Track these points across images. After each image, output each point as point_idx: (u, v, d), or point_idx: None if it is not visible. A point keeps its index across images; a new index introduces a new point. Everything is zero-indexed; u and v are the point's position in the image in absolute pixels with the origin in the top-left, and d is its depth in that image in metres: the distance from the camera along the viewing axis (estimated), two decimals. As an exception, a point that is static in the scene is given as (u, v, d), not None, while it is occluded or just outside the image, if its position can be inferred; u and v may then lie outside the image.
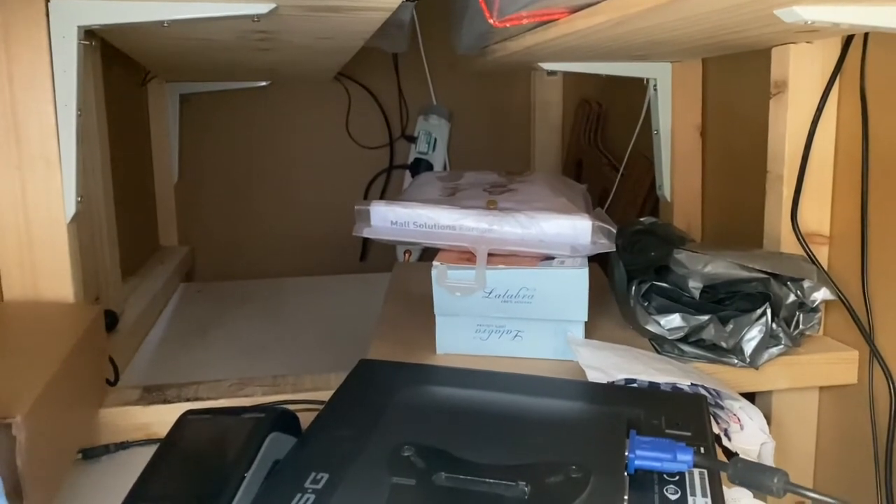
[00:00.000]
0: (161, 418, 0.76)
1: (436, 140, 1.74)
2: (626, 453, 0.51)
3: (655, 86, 1.17)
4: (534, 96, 1.80)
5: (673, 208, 1.20)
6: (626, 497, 0.48)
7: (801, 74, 0.86)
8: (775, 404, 0.89)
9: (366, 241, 1.60)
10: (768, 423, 0.72)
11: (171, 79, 1.59)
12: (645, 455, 0.51)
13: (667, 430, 0.57)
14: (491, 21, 0.84)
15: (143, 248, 1.48)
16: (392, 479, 0.48)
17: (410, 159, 1.76)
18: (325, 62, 1.30)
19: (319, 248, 1.78)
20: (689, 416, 0.59)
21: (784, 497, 0.48)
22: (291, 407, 0.75)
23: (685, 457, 0.51)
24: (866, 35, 0.81)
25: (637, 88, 1.22)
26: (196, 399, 0.77)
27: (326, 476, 0.50)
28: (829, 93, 0.85)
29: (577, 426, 0.57)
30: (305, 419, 0.65)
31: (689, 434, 0.56)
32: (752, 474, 0.48)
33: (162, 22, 0.76)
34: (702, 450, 0.54)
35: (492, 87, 1.81)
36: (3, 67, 0.74)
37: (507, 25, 0.83)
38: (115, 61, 1.13)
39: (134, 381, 0.95)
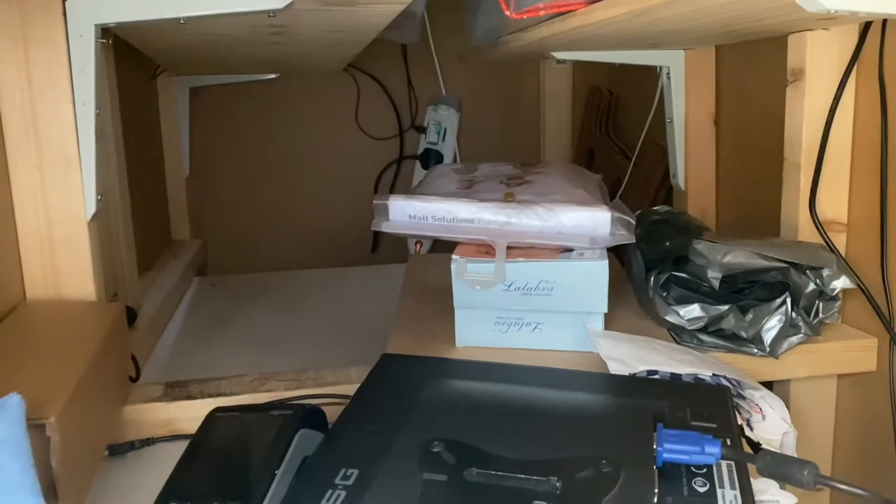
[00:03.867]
0: (185, 414, 0.76)
1: (445, 130, 1.74)
2: (655, 446, 0.52)
3: (668, 73, 1.16)
4: (543, 84, 1.79)
5: (687, 197, 1.20)
6: (656, 490, 0.48)
7: (819, 61, 0.85)
8: (793, 392, 0.89)
9: (377, 231, 1.61)
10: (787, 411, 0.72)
11: (180, 72, 1.59)
12: (673, 448, 0.51)
13: (692, 423, 0.57)
14: (507, 13, 0.84)
15: (156, 242, 1.48)
16: (423, 475, 0.49)
17: (420, 149, 1.76)
18: (336, 54, 1.29)
19: (331, 240, 1.78)
20: (713, 408, 0.60)
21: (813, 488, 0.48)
22: (314, 401, 0.76)
23: (713, 449, 0.51)
24: (885, 21, 0.80)
25: (648, 75, 1.22)
26: (219, 395, 0.78)
27: (356, 472, 0.50)
28: (846, 80, 0.85)
29: (603, 420, 0.57)
30: (328, 413, 0.65)
31: (714, 426, 0.57)
32: (781, 467, 0.49)
33: (178, 19, 0.76)
34: (728, 441, 0.54)
35: (501, 76, 1.80)
36: (21, 68, 0.74)
37: (524, 17, 0.82)
38: (126, 56, 1.13)
39: (154, 377, 0.95)
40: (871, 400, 0.86)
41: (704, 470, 0.51)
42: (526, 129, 1.83)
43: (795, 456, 0.67)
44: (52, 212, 0.77)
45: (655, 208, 1.03)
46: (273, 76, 1.66)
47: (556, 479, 0.48)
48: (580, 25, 0.76)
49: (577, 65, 1.71)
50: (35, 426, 0.50)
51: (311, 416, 0.58)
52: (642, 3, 0.62)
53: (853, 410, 0.89)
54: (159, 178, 1.58)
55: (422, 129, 1.76)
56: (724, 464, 0.52)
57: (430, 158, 1.73)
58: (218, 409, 0.59)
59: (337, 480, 0.50)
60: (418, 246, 1.65)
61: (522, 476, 0.48)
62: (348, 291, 1.46)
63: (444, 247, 0.83)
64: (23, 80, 0.74)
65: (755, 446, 0.67)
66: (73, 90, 0.75)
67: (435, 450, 0.51)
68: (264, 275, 1.55)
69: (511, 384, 0.64)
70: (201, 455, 0.54)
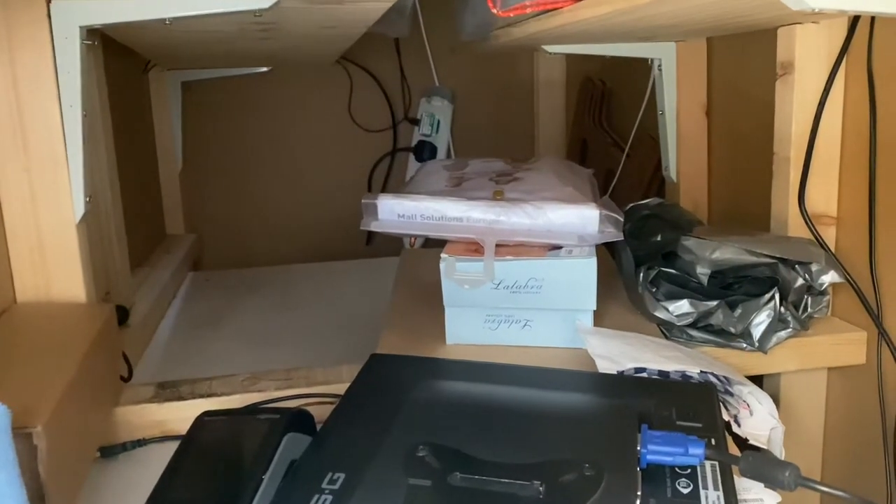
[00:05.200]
0: (176, 415, 0.77)
1: (439, 122, 1.73)
2: (639, 448, 0.52)
3: (660, 66, 1.16)
4: (537, 75, 1.78)
5: (679, 188, 1.20)
6: (639, 493, 0.48)
7: (808, 55, 0.85)
8: (783, 385, 0.89)
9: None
10: (776, 404, 0.72)
11: (172, 67, 1.58)
12: (657, 450, 0.52)
13: (678, 422, 0.58)
14: (494, 11, 0.84)
15: (150, 237, 1.48)
16: (408, 480, 0.49)
17: (414, 142, 1.76)
18: (327, 49, 1.29)
19: (325, 233, 1.78)
20: (699, 407, 0.60)
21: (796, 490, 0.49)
22: (305, 401, 0.77)
23: (697, 450, 0.52)
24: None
25: (642, 66, 1.21)
26: (210, 395, 0.78)
27: (343, 476, 0.51)
28: (835, 73, 0.84)
29: (589, 421, 0.58)
30: (318, 412, 0.65)
31: (699, 426, 0.57)
32: (763, 468, 0.49)
33: (164, 19, 0.76)
34: (713, 441, 0.55)
35: (494, 67, 1.79)
36: (6, 70, 0.73)
37: (511, 15, 0.82)
38: (116, 52, 1.13)
39: (147, 376, 0.96)
40: (860, 392, 0.86)
41: (688, 471, 0.52)
42: (520, 119, 1.82)
43: (782, 452, 0.68)
44: (40, 214, 0.77)
45: (646, 201, 1.03)
46: (265, 69, 1.65)
47: (539, 483, 0.48)
48: (567, 23, 0.76)
49: (571, 55, 1.70)
50: (22, 435, 0.50)
51: (298, 420, 0.59)
52: (628, 2, 0.62)
53: (843, 403, 0.90)
54: (152, 172, 1.58)
55: (415, 122, 1.75)
56: (707, 464, 0.52)
57: (424, 150, 1.72)
58: (206, 413, 0.60)
59: (324, 485, 0.50)
60: (412, 239, 1.64)
61: (506, 480, 0.48)
62: (343, 285, 1.46)
63: (438, 241, 0.83)
64: (8, 83, 0.74)
65: (742, 443, 0.68)
66: (59, 92, 0.75)
67: (420, 454, 0.51)
68: (258, 269, 1.56)
69: (498, 384, 0.64)
70: (189, 460, 0.54)
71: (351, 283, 1.48)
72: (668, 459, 0.52)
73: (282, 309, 1.32)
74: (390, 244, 1.75)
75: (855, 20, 0.82)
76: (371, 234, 1.81)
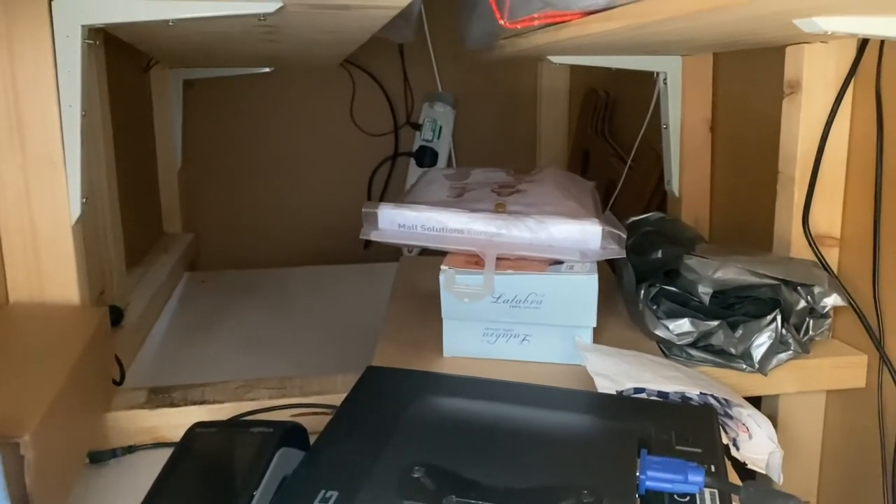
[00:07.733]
0: (168, 422, 0.76)
1: (441, 127, 1.72)
2: (638, 474, 0.51)
3: (665, 79, 1.15)
4: (540, 84, 1.78)
5: (681, 203, 1.19)
6: (637, 521, 0.47)
7: (816, 75, 0.84)
8: (782, 407, 0.89)
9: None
10: (774, 425, 0.72)
11: (174, 65, 1.57)
12: (656, 476, 0.51)
13: (677, 447, 0.57)
14: (501, 22, 0.83)
15: (147, 235, 1.47)
16: (402, 503, 0.48)
17: (415, 147, 1.74)
18: (331, 52, 1.28)
19: (323, 235, 1.77)
20: (699, 432, 0.59)
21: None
22: (298, 411, 0.76)
23: (696, 478, 0.51)
24: (883, 37, 0.79)
25: (646, 78, 1.21)
26: (203, 402, 0.77)
27: (336, 494, 0.49)
28: (843, 94, 0.84)
29: (588, 444, 0.57)
30: (312, 423, 0.64)
31: (699, 451, 0.56)
32: (764, 499, 0.48)
33: (167, 21, 0.75)
34: (712, 469, 0.54)
35: (498, 75, 1.79)
36: (6, 68, 0.72)
37: (518, 27, 0.81)
38: (118, 48, 1.11)
39: (140, 378, 0.94)
40: (859, 416, 0.85)
41: (687, 499, 0.51)
42: (522, 128, 1.82)
43: (781, 477, 0.67)
44: (35, 214, 0.76)
45: (647, 216, 1.02)
46: (268, 70, 1.64)
47: (536, 509, 0.47)
48: (575, 36, 0.75)
49: (575, 65, 1.69)
50: (8, 445, 0.49)
51: (291, 434, 0.58)
52: (639, 18, 0.61)
53: (841, 426, 0.89)
54: (151, 170, 1.57)
55: (417, 126, 1.74)
56: (707, 492, 0.52)
57: (425, 156, 1.71)
58: (198, 425, 0.59)
59: (316, 503, 0.49)
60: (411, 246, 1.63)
61: (502, 506, 0.47)
62: (340, 290, 1.45)
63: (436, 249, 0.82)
64: (7, 80, 0.73)
65: (741, 467, 0.67)
66: (58, 91, 0.74)
67: (416, 475, 0.50)
68: (255, 272, 1.54)
69: (496, 402, 0.63)
70: (179, 474, 0.53)
71: (348, 288, 1.47)
72: (667, 486, 0.51)
73: (278, 313, 1.31)
74: (389, 249, 1.73)
75: (864, 42, 0.82)
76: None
